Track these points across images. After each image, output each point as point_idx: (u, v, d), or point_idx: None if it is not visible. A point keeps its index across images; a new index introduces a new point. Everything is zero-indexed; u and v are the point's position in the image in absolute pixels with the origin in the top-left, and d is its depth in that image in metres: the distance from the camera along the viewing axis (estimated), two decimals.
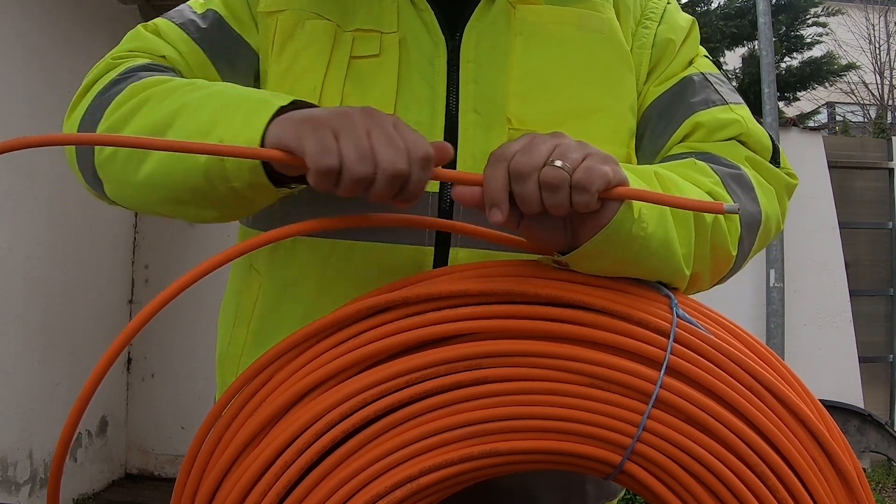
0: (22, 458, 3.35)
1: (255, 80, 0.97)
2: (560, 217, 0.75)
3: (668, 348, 0.79)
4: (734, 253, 0.89)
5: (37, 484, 3.45)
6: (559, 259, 0.80)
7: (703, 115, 0.96)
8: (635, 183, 0.77)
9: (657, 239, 0.79)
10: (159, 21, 0.98)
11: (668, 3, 1.03)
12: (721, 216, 0.86)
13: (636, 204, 0.75)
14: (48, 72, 3.39)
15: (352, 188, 0.71)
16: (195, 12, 0.98)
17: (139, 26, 0.98)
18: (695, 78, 0.99)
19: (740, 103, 0.99)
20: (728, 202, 0.86)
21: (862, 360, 4.94)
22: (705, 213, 0.83)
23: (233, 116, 0.78)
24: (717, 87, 0.99)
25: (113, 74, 0.92)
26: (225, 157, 0.76)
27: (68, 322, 3.62)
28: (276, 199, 0.84)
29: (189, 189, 0.81)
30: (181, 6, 1.00)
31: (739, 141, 0.96)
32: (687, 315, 0.81)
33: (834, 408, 4.42)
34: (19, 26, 3.21)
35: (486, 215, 0.74)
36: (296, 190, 0.82)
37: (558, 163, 0.71)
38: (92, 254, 3.83)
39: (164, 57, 0.95)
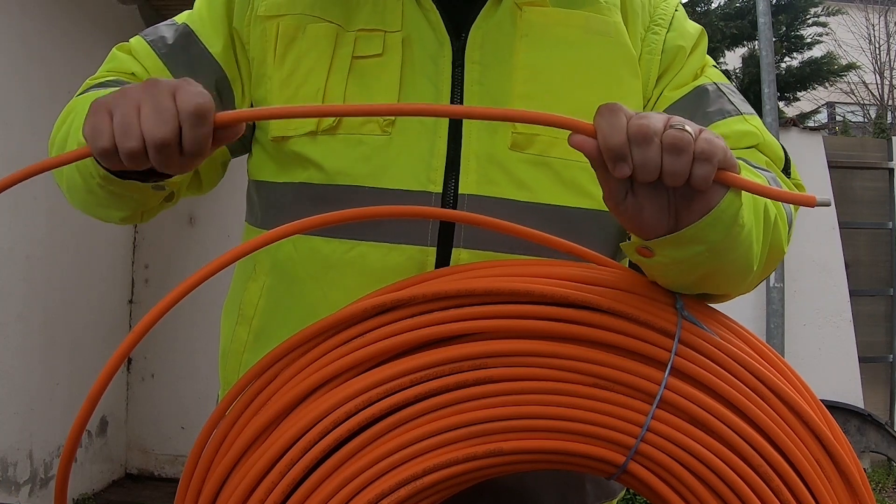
0: (22, 458, 3.35)
1: (220, 97, 0.98)
2: (670, 189, 0.72)
3: (673, 349, 0.79)
4: (785, 250, 0.87)
5: (37, 484, 3.44)
6: (645, 246, 0.76)
7: (720, 127, 0.95)
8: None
9: (748, 231, 0.77)
10: (133, 40, 1.01)
11: (676, 10, 1.03)
12: (779, 214, 0.84)
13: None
14: (48, 72, 3.39)
15: (132, 162, 0.71)
16: (170, 26, 1.01)
17: (114, 48, 1.02)
18: (708, 88, 0.99)
19: (753, 114, 0.99)
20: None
21: (862, 360, 4.94)
22: (769, 210, 0.81)
23: (83, 116, 0.78)
24: (730, 97, 0.99)
25: (78, 93, 0.97)
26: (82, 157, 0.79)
27: (68, 322, 3.62)
28: (153, 196, 0.86)
29: (85, 190, 0.87)
30: (160, 23, 1.04)
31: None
32: (692, 316, 0.81)
33: (834, 408, 4.42)
34: (19, 26, 3.21)
35: (610, 170, 0.70)
36: (164, 184, 0.84)
37: (679, 125, 0.69)
38: (92, 254, 3.83)
39: (133, 74, 0.98)
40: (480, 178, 0.90)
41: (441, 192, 0.89)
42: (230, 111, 0.73)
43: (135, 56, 0.99)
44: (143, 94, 0.71)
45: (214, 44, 0.98)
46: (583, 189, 0.92)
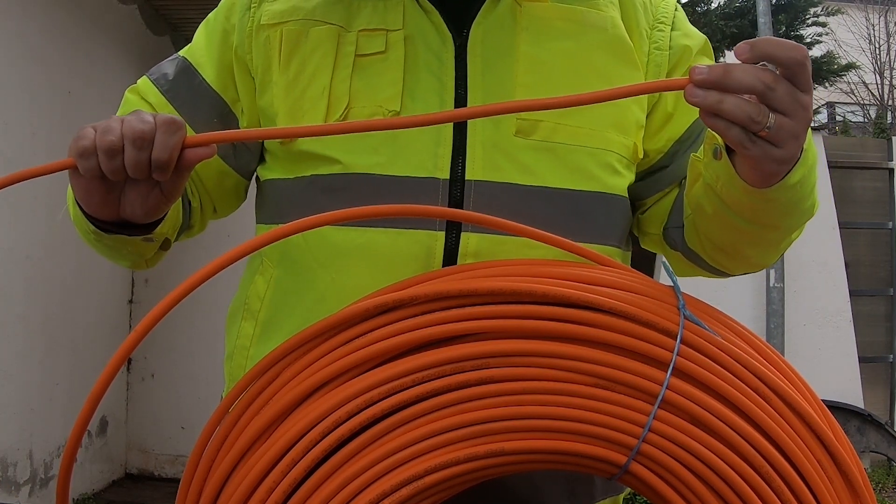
0: (22, 458, 3.35)
1: (224, 123, 1.02)
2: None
3: (675, 349, 0.79)
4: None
5: (37, 484, 3.44)
6: (717, 149, 0.82)
7: None
8: None
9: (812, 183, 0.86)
10: (141, 80, 1.06)
11: (676, 10, 1.06)
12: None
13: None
14: (48, 72, 3.39)
15: (107, 161, 0.78)
16: (172, 61, 1.05)
17: (126, 91, 1.06)
18: None
19: None
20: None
21: (862, 360, 4.95)
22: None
23: None
24: None
25: None
26: (71, 212, 0.93)
27: (68, 322, 3.62)
28: (147, 247, 0.93)
29: (89, 242, 0.94)
30: (165, 60, 1.07)
31: None
32: (694, 316, 0.81)
33: (834, 408, 4.41)
34: (19, 26, 3.21)
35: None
36: (153, 236, 0.90)
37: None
38: (92, 254, 3.80)
39: None
40: (486, 164, 0.92)
41: (448, 178, 0.91)
42: (199, 134, 0.81)
43: (142, 96, 1.04)
44: (129, 115, 0.80)
45: (209, 72, 1.02)
46: (588, 172, 0.94)
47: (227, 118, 1.02)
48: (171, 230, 0.96)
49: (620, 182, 0.98)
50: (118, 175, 0.79)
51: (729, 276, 1.04)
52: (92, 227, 0.88)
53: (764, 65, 0.73)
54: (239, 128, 1.02)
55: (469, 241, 0.90)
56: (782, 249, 0.97)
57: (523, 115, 0.92)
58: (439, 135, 0.92)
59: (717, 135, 0.83)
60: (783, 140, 0.74)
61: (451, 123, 0.92)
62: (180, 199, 0.98)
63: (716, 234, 0.94)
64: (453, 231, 0.90)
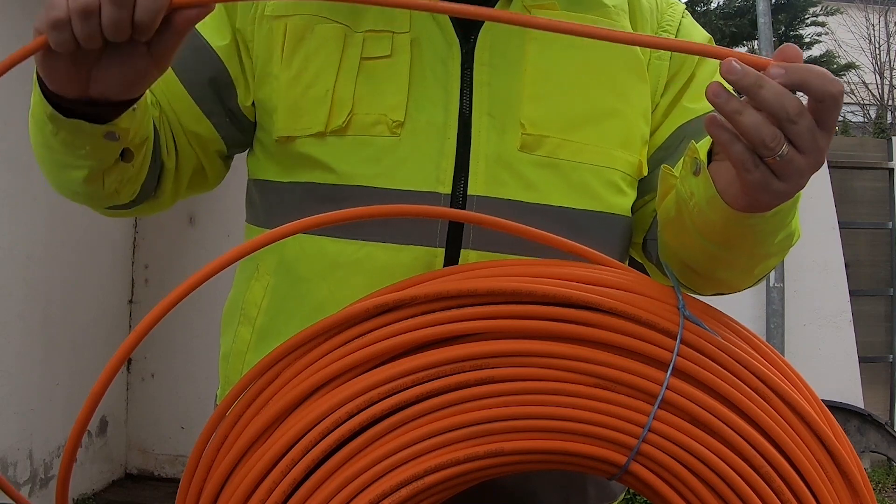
0: (22, 458, 3.35)
1: (216, 91, 0.97)
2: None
3: (675, 350, 0.79)
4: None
5: (37, 484, 3.44)
6: (697, 165, 0.79)
7: None
8: None
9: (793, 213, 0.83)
10: None
11: (683, 16, 1.04)
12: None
13: None
14: None
15: (81, 24, 0.69)
16: None
17: None
18: None
19: None
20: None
21: (862, 360, 4.95)
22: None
23: None
24: None
25: None
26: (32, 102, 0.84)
27: (68, 322, 3.62)
28: (107, 149, 0.83)
29: (45, 146, 0.86)
30: None
31: None
32: (694, 316, 0.81)
33: (834, 408, 4.40)
34: (19, 26, 3.21)
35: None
36: (115, 131, 0.81)
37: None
38: (92, 254, 3.83)
39: None
40: (489, 178, 0.90)
41: (450, 192, 0.90)
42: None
43: None
44: None
45: (217, 39, 0.96)
46: (591, 191, 0.93)
47: (223, 90, 0.97)
48: (137, 137, 0.86)
49: (624, 202, 0.96)
50: (94, 42, 0.70)
51: (702, 295, 0.97)
52: (49, 111, 0.80)
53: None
54: (236, 102, 0.97)
55: (469, 258, 0.89)
56: (757, 276, 0.92)
57: (529, 129, 0.91)
58: (442, 147, 0.90)
59: (698, 149, 0.79)
60: (789, 175, 0.70)
61: (456, 135, 0.90)
62: (151, 137, 0.89)
63: (680, 251, 0.91)
64: (453, 247, 0.89)
